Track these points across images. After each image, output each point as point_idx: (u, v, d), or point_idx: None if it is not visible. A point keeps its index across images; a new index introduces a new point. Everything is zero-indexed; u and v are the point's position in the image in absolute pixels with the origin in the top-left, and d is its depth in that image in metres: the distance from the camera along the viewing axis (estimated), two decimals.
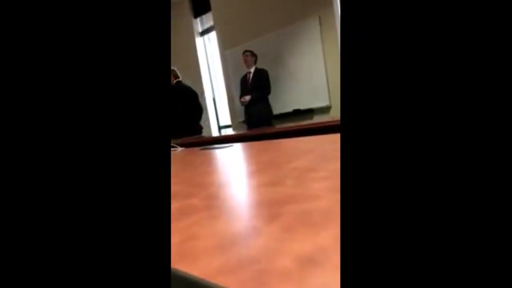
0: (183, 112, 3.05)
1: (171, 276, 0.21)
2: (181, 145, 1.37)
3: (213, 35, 4.54)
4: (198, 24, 4.69)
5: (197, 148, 1.30)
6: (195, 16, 4.64)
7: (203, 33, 4.70)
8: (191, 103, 3.14)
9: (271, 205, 0.33)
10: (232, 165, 0.71)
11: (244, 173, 0.56)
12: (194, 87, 4.70)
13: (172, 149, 1.31)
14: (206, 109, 4.76)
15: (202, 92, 4.48)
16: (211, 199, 0.41)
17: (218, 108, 4.87)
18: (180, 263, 0.22)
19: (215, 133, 4.78)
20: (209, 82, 4.83)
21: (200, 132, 3.19)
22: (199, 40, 4.71)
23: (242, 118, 3.71)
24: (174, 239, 0.27)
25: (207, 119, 4.78)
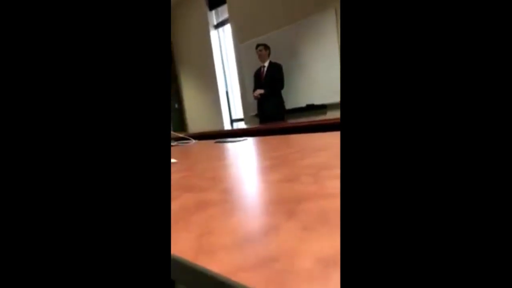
0: None
1: (189, 270, 0.21)
2: (194, 138, 1.38)
3: (228, 27, 4.52)
4: (213, 17, 4.68)
5: (211, 141, 1.31)
6: (210, 9, 4.62)
7: (218, 25, 4.68)
8: None
9: (288, 202, 0.33)
10: (246, 159, 0.71)
11: (258, 168, 0.56)
12: (207, 80, 4.70)
13: (185, 141, 1.32)
14: (219, 102, 4.77)
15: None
16: (227, 194, 0.41)
17: (231, 101, 4.87)
18: (198, 258, 0.22)
19: (227, 126, 4.79)
20: (223, 75, 4.82)
21: None
22: (213, 33, 4.70)
23: (254, 112, 3.70)
24: (191, 233, 0.27)
25: (220, 112, 4.80)
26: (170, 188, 0.26)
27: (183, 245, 0.24)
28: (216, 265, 0.20)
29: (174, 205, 0.37)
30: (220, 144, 1.12)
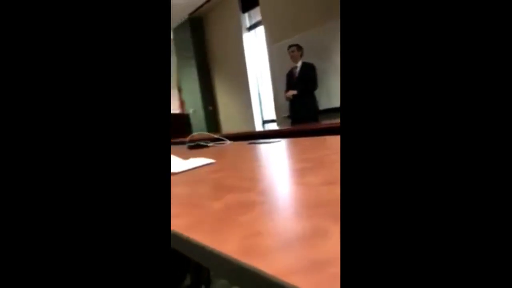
0: None
1: (239, 270, 0.22)
2: (229, 139, 1.41)
3: (260, 29, 4.55)
4: (246, 19, 4.73)
5: (245, 142, 1.32)
6: (243, 11, 4.68)
7: (251, 28, 4.73)
8: None
9: (333, 205, 0.32)
10: (282, 161, 0.71)
11: (296, 169, 0.56)
12: (239, 82, 4.76)
13: (221, 142, 1.35)
14: (251, 104, 4.81)
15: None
16: (268, 195, 0.41)
17: (263, 103, 4.89)
18: (249, 258, 0.22)
19: (258, 127, 4.82)
20: (255, 77, 4.86)
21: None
22: (246, 35, 4.75)
23: (286, 113, 3.68)
24: (240, 233, 0.27)
25: (251, 113, 4.83)
26: (170, 185, 0.27)
27: (232, 244, 0.25)
28: (267, 266, 0.21)
29: (219, 205, 0.38)
30: (254, 145, 1.13)
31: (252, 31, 4.75)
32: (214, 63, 5.39)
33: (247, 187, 0.47)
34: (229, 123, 5.35)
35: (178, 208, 0.40)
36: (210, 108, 5.42)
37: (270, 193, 0.42)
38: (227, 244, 0.25)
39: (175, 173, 0.68)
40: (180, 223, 0.33)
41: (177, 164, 0.78)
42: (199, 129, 5.03)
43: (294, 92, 3.16)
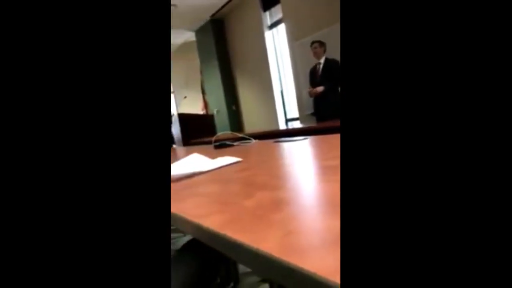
0: None
1: (281, 268, 0.21)
2: (253, 137, 1.41)
3: (281, 27, 4.52)
4: (267, 18, 4.72)
5: (270, 141, 1.32)
6: (264, 10, 4.67)
7: (272, 26, 4.71)
8: None
9: None
10: (310, 158, 0.69)
11: (325, 167, 0.54)
12: (262, 81, 4.75)
13: (246, 141, 1.35)
14: (274, 102, 4.79)
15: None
16: (300, 193, 0.40)
17: (286, 101, 4.86)
18: (290, 256, 0.22)
19: (282, 126, 4.79)
20: (277, 75, 4.84)
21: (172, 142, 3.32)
22: (268, 34, 4.74)
23: (310, 110, 3.63)
24: (277, 231, 0.27)
25: (274, 112, 4.81)
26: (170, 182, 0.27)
27: (272, 242, 0.24)
28: (310, 265, 0.20)
29: (251, 203, 0.37)
30: (280, 144, 1.12)
31: (274, 29, 4.73)
32: (236, 63, 5.42)
33: (277, 185, 0.46)
34: (252, 122, 5.37)
35: (211, 206, 0.40)
36: (234, 107, 5.47)
37: (302, 191, 0.42)
38: (265, 242, 0.25)
39: (204, 172, 0.69)
40: (215, 220, 0.33)
41: (206, 163, 0.79)
42: (223, 129, 5.09)
43: (322, 88, 3.11)
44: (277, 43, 4.78)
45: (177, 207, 0.41)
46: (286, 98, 4.86)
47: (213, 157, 0.85)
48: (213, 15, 5.20)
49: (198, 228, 0.33)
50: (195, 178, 0.63)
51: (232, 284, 1.16)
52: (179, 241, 2.05)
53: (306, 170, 0.55)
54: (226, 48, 5.49)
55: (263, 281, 1.35)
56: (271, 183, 0.48)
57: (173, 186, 0.59)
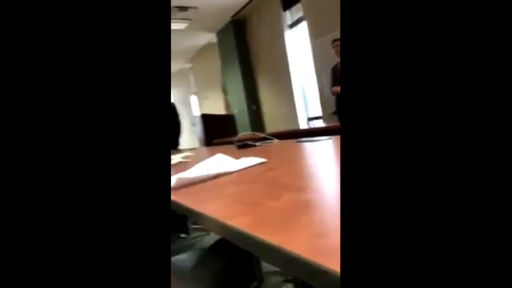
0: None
1: (314, 270, 0.22)
2: (276, 137, 1.41)
3: (302, 26, 4.48)
4: (288, 17, 4.69)
5: (292, 140, 1.31)
6: (284, 9, 4.65)
7: (292, 25, 4.68)
8: (171, 120, 3.40)
9: None
10: (334, 158, 0.69)
11: None
12: (282, 80, 4.72)
13: (268, 141, 1.36)
14: (294, 101, 4.76)
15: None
16: (326, 194, 0.40)
17: (308, 100, 4.82)
18: (322, 259, 0.22)
19: (303, 125, 4.75)
20: (298, 73, 4.80)
21: (178, 144, 3.37)
22: (288, 33, 4.71)
23: (332, 109, 3.58)
24: (307, 234, 0.27)
25: (295, 111, 4.78)
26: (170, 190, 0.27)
27: (300, 244, 0.25)
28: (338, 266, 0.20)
29: (279, 204, 0.38)
30: (303, 144, 1.11)
31: (294, 28, 4.70)
32: (257, 63, 5.44)
33: (302, 185, 0.47)
34: (273, 122, 5.36)
35: (238, 206, 0.41)
36: (254, 107, 5.49)
37: (327, 192, 0.41)
38: (294, 243, 0.25)
39: (230, 173, 0.70)
40: (243, 221, 0.33)
41: (230, 163, 0.80)
42: (244, 129, 5.12)
43: None
44: (297, 42, 4.74)
45: (204, 208, 0.43)
46: (308, 97, 4.81)
47: (237, 157, 0.86)
48: (233, 16, 5.24)
49: (226, 228, 0.34)
50: (221, 179, 0.65)
51: (256, 283, 1.17)
52: (203, 239, 2.09)
53: (332, 171, 0.55)
54: (246, 48, 5.52)
55: (287, 281, 1.35)
56: (296, 183, 0.49)
57: (200, 187, 0.60)
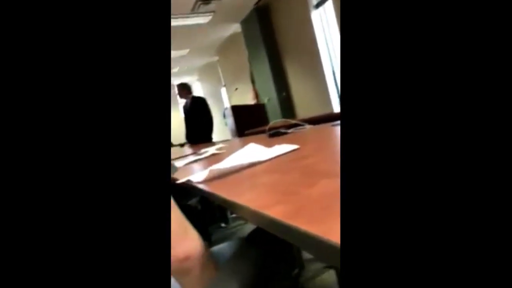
0: (196, 123, 3.57)
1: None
2: (309, 123, 1.38)
3: (328, 4, 4.29)
4: None
5: (326, 125, 1.28)
6: None
7: (318, 4, 4.50)
8: (202, 114, 3.58)
9: None
10: None
11: None
12: (311, 63, 4.59)
13: (301, 127, 1.33)
14: (326, 84, 4.61)
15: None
16: None
17: (338, 81, 4.65)
18: None
19: (336, 108, 4.60)
20: (327, 55, 4.63)
21: (211, 139, 3.51)
22: (314, 13, 4.54)
23: None
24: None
25: (327, 94, 4.64)
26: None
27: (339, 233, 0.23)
28: None
29: (315, 192, 0.37)
30: (338, 127, 1.07)
31: (320, 8, 4.51)
32: (284, 49, 5.33)
33: (338, 171, 0.44)
34: (305, 107, 5.26)
35: (274, 195, 0.40)
36: (284, 94, 5.41)
37: None
38: (333, 232, 0.24)
39: (263, 162, 0.69)
40: (280, 210, 0.33)
41: (263, 152, 0.79)
42: (275, 117, 5.09)
43: None
44: (324, 22, 4.56)
45: (240, 198, 0.42)
46: (339, 78, 4.64)
47: (269, 146, 0.86)
48: (256, 3, 5.16)
49: (263, 218, 0.34)
50: (255, 168, 0.64)
51: (297, 270, 1.17)
52: (242, 228, 2.14)
53: None
54: (272, 34, 5.42)
55: (328, 267, 1.34)
56: (332, 169, 0.47)
57: (235, 177, 0.60)
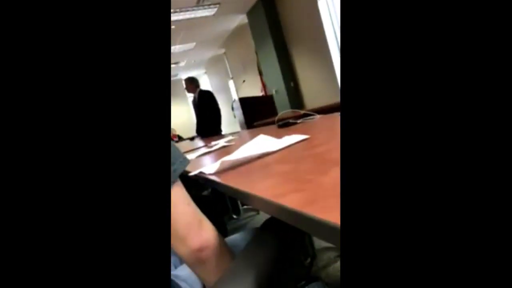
0: (204, 116, 3.59)
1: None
2: (318, 112, 1.36)
3: None
4: None
5: (335, 114, 1.26)
6: None
7: None
8: (209, 107, 3.59)
9: None
10: None
11: None
12: (319, 52, 4.52)
13: (310, 117, 1.32)
14: (334, 72, 4.55)
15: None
16: None
17: None
18: None
19: None
20: (335, 42, 4.55)
21: (220, 132, 3.55)
22: (321, 2, 4.45)
23: None
24: None
25: (336, 83, 4.58)
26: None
27: None
28: None
29: (328, 179, 0.36)
30: None
31: None
32: (291, 38, 5.26)
33: None
34: (314, 97, 5.21)
35: (288, 185, 0.40)
36: (292, 84, 5.36)
37: None
38: None
39: (274, 152, 0.69)
40: (294, 199, 0.33)
41: (274, 143, 0.79)
42: (283, 108, 5.05)
43: None
44: (332, 9, 4.47)
45: (254, 188, 0.43)
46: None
47: (279, 136, 0.85)
48: None
49: (278, 208, 0.34)
50: (266, 159, 0.64)
51: (309, 259, 1.18)
52: (254, 219, 2.16)
53: None
54: (279, 24, 5.35)
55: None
56: None
57: (246, 168, 0.61)
